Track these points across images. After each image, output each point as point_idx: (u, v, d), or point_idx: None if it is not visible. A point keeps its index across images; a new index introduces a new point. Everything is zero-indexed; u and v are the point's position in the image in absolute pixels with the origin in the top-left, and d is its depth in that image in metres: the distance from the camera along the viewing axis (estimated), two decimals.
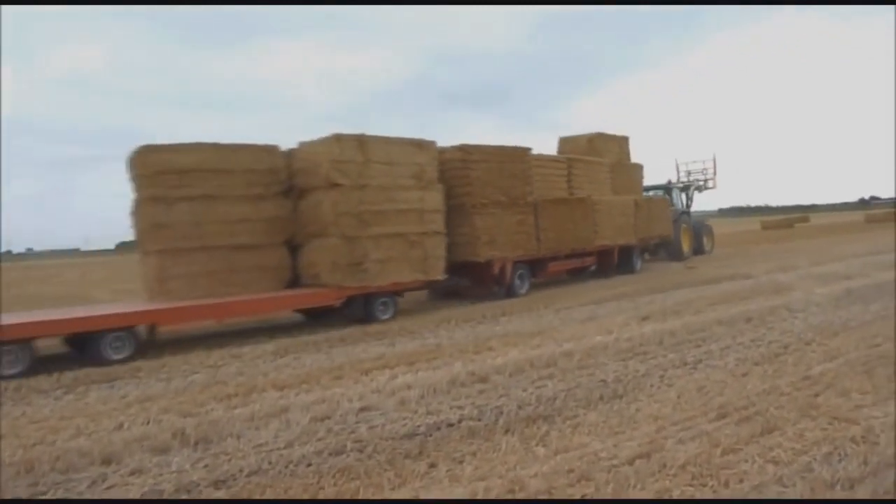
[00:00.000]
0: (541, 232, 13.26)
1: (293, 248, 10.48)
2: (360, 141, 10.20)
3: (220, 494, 3.76)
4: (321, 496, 3.66)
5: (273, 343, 8.56)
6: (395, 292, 10.76)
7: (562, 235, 13.81)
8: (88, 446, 4.59)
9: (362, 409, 5.21)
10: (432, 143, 11.40)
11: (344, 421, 4.97)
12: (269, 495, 3.71)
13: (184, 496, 3.77)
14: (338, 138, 9.99)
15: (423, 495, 3.57)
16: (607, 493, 3.43)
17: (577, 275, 15.74)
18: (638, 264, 16.87)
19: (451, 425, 4.76)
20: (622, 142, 17.20)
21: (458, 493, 3.54)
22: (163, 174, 9.42)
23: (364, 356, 7.42)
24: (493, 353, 7.11)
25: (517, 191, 12.76)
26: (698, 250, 21.14)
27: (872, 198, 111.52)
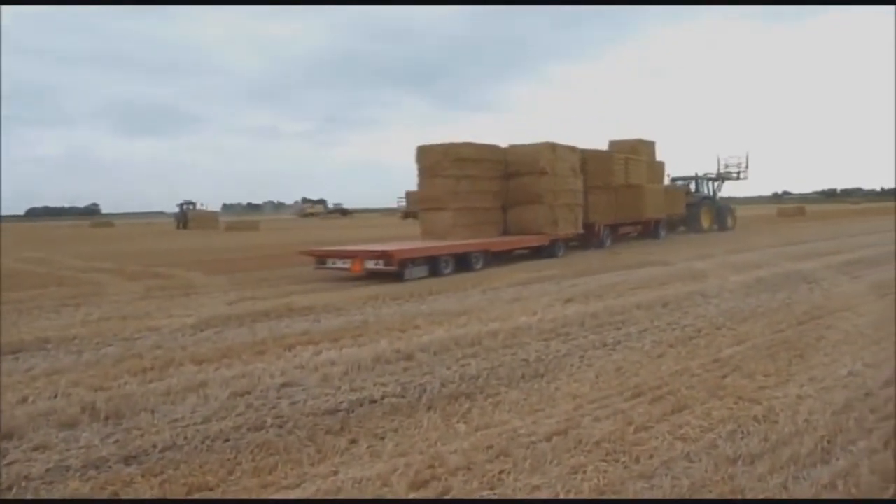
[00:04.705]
0: (617, 207, 19.87)
1: (504, 210, 16.86)
2: (552, 145, 16.76)
3: (131, 470, 3.63)
4: (238, 472, 3.59)
5: (194, 317, 8.31)
6: (563, 240, 17.21)
7: (627, 209, 20.38)
8: None
9: (284, 385, 5.14)
10: (577, 147, 18.07)
11: (265, 396, 4.89)
12: (183, 471, 3.61)
13: (91, 472, 3.62)
14: (546, 144, 16.61)
15: (343, 471, 3.55)
16: (525, 469, 3.51)
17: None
18: (662, 234, 22.89)
19: (373, 402, 4.75)
20: (652, 145, 23.35)
21: (379, 469, 3.55)
22: (457, 160, 15.46)
23: (288, 332, 7.30)
24: (419, 332, 7.13)
25: (606, 178, 19.32)
26: (722, 227, 26.76)
27: (784, 192, 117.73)
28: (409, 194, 61.36)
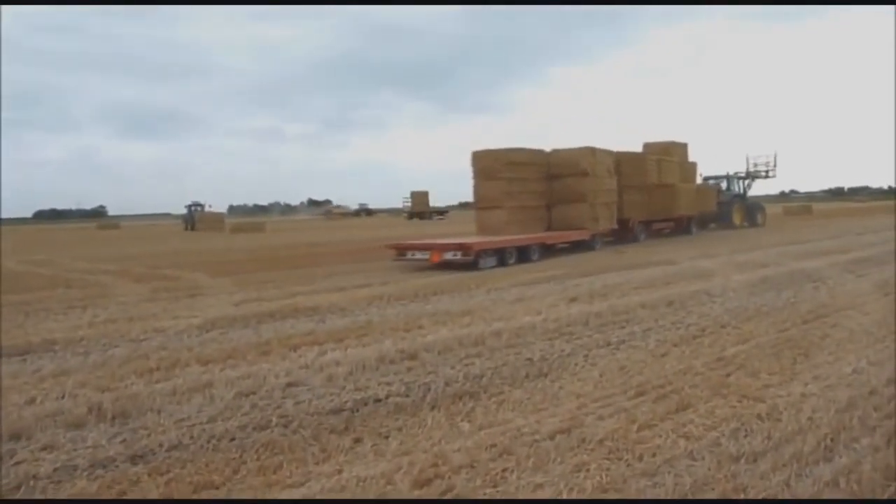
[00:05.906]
0: (650, 205, 21.54)
1: (548, 208, 18.62)
2: (592, 149, 18.44)
3: (138, 469, 3.67)
4: (243, 471, 3.62)
5: (199, 318, 8.36)
6: (601, 235, 18.83)
7: (659, 207, 21.98)
8: None
9: (289, 385, 5.17)
10: (612, 150, 19.84)
11: (269, 396, 4.92)
12: (189, 470, 3.64)
13: (99, 472, 3.66)
14: (587, 148, 18.37)
15: (348, 470, 3.58)
16: (528, 467, 3.53)
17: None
18: (694, 230, 24.17)
19: (378, 401, 4.78)
20: (684, 147, 24.94)
21: (383, 468, 3.57)
22: (510, 164, 17.26)
23: (293, 332, 7.33)
24: (423, 332, 7.15)
25: (640, 178, 21.00)
26: (752, 223, 28.03)
27: (791, 191, 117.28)
28: (413, 195, 62.25)
